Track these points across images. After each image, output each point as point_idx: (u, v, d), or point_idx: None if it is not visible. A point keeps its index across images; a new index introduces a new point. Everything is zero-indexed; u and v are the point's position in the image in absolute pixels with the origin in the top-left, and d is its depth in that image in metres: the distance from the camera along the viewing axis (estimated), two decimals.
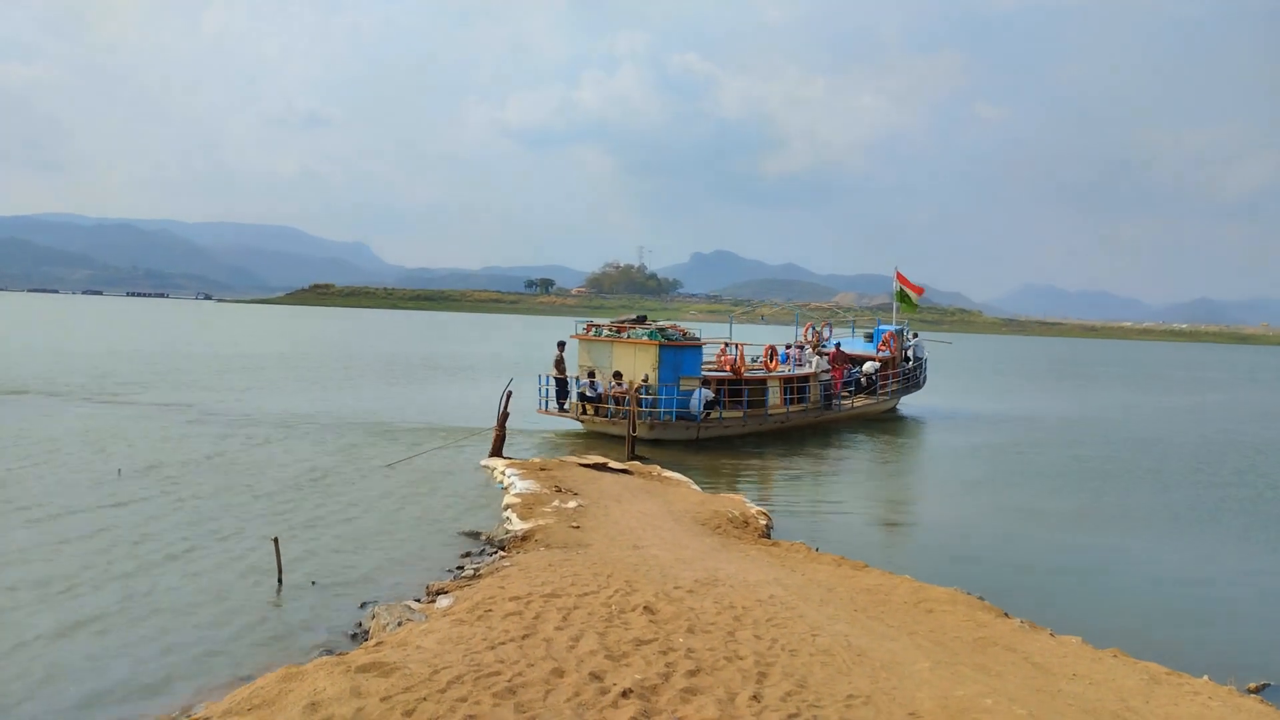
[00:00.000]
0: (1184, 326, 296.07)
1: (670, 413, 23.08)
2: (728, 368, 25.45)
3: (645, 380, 22.84)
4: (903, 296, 35.88)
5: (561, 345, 24.78)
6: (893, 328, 34.03)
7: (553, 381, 24.58)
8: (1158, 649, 9.41)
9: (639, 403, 21.94)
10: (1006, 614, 9.83)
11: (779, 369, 27.29)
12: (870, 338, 35.02)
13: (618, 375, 23.10)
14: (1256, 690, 8.70)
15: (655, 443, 22.54)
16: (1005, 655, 8.22)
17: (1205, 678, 8.31)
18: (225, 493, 15.25)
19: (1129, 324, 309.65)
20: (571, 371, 24.69)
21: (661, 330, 23.65)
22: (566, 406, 24.48)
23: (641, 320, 24.54)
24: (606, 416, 23.09)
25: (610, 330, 24.28)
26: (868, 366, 31.67)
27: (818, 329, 32.81)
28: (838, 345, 31.93)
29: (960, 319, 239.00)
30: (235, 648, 8.68)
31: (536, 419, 24.88)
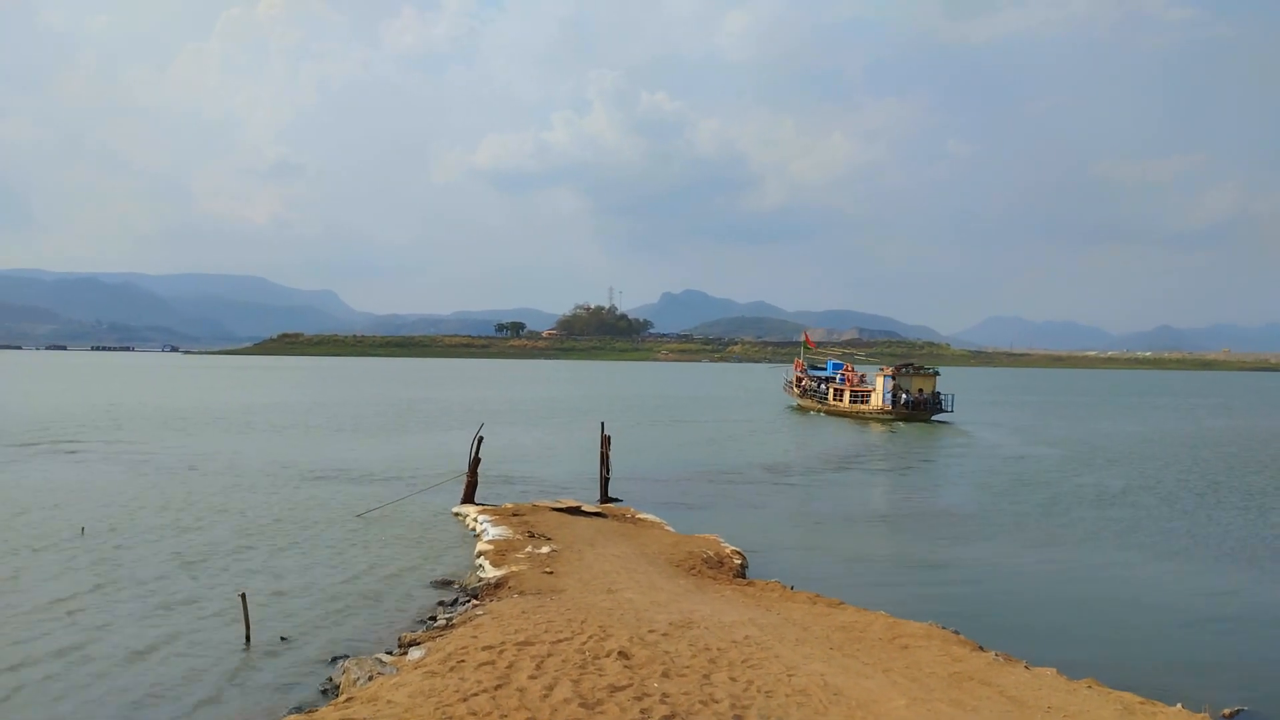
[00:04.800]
0: (1147, 354, 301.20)
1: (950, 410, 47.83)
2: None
3: (934, 393, 47.86)
4: (806, 348, 65.40)
5: (892, 377, 47.78)
6: (839, 363, 57.48)
7: (890, 395, 47.53)
8: (1134, 677, 9.43)
9: (938, 404, 47.56)
10: (981, 647, 9.83)
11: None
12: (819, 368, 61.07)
13: (920, 391, 47.46)
14: (1231, 716, 8.72)
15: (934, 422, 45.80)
16: (980, 690, 8.21)
17: (1179, 705, 8.33)
18: (192, 547, 14.98)
19: (1094, 353, 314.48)
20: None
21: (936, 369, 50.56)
22: (894, 407, 47.28)
23: (910, 364, 52.47)
24: (925, 410, 46.84)
25: (914, 369, 50.24)
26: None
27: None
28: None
29: (929, 352, 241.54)
30: (201, 707, 8.50)
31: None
